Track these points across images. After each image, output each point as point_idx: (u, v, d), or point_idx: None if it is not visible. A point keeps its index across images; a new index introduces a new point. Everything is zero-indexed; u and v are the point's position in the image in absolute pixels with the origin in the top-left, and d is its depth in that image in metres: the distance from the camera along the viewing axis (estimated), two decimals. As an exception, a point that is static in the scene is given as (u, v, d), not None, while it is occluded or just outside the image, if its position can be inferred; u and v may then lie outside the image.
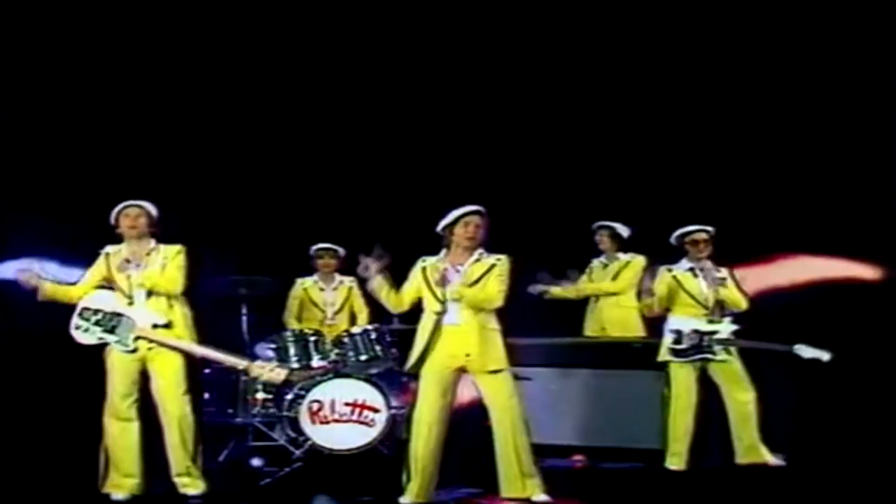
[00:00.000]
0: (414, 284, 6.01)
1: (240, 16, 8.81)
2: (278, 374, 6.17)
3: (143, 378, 6.12)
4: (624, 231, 8.13)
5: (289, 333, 7.61)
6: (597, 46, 8.77)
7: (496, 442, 5.88)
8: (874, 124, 8.14)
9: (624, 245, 8.13)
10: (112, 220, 6.23)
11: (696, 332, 6.82)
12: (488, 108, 8.92)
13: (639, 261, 7.95)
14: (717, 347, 6.78)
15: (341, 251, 8.08)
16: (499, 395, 5.87)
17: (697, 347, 6.80)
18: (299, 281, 8.15)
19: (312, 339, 7.59)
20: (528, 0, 8.79)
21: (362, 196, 8.92)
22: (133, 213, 6.19)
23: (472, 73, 8.91)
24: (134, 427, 6.08)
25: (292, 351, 7.53)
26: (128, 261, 6.16)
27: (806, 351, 6.65)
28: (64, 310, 6.18)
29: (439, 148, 8.93)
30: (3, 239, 8.05)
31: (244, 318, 7.71)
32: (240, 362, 6.22)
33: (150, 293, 6.11)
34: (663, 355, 6.89)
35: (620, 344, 7.58)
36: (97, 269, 6.23)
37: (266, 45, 8.89)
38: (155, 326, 6.05)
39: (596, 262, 8.22)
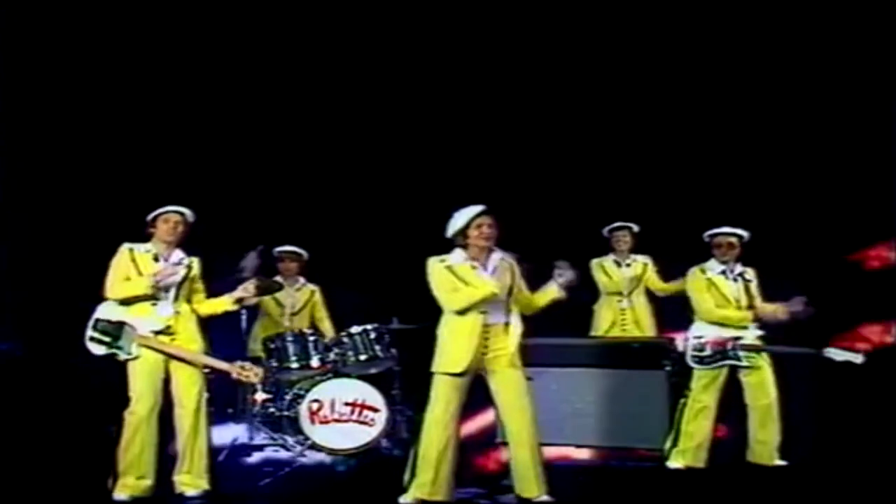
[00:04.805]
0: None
1: (244, 22, 8.83)
2: (255, 374, 6.09)
3: (164, 383, 6.08)
4: (635, 231, 8.21)
5: (288, 334, 7.60)
6: (601, 50, 8.80)
7: (508, 440, 5.83)
8: (875, 127, 8.16)
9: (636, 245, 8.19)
10: (148, 221, 6.18)
11: (720, 338, 6.73)
12: (492, 110, 8.94)
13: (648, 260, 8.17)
14: (741, 353, 6.68)
15: (304, 254, 8.09)
16: (512, 393, 5.80)
17: (722, 354, 6.72)
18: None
19: (312, 339, 7.58)
20: (540, 2, 8.80)
21: (365, 199, 8.93)
22: (174, 219, 6.17)
23: (478, 75, 8.92)
24: (153, 429, 6.02)
25: (291, 351, 7.52)
26: (156, 257, 6.11)
27: (838, 354, 6.43)
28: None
29: (445, 150, 8.94)
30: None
31: (244, 318, 7.71)
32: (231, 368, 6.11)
33: (178, 292, 6.08)
34: (688, 363, 6.80)
35: (621, 344, 7.55)
36: (125, 266, 6.09)
37: (268, 48, 8.91)
38: (157, 333, 6.02)
39: (608, 261, 8.22)
